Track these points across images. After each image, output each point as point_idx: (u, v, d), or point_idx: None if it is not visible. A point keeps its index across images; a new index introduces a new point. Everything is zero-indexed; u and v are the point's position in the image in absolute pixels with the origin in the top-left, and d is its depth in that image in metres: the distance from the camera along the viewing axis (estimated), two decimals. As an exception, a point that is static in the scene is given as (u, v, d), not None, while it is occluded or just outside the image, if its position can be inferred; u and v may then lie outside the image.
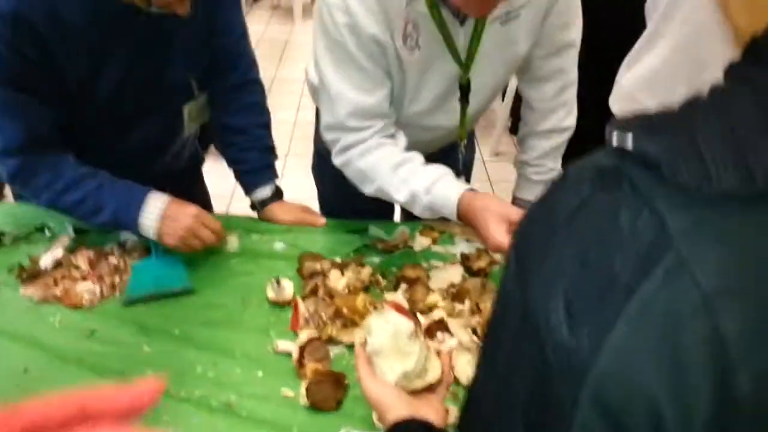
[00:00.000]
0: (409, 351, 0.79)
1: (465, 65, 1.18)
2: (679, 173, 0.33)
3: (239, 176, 1.41)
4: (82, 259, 1.22)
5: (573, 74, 1.31)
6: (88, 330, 1.11)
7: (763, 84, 0.34)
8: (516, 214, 1.08)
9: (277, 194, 1.42)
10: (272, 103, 1.46)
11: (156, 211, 1.17)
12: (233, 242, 1.33)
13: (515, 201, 1.45)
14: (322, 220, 1.40)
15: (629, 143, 0.35)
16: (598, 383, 0.34)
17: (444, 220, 1.40)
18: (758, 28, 0.37)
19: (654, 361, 0.33)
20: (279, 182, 1.43)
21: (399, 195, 1.16)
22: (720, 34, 0.40)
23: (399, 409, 0.74)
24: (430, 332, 1.04)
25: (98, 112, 1.18)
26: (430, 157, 1.42)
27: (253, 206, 1.42)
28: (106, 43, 1.10)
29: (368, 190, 1.22)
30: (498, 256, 1.35)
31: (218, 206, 1.63)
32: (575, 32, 1.24)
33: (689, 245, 0.32)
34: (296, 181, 3.38)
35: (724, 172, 0.31)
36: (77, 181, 1.17)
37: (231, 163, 1.42)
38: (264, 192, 1.39)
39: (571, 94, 1.33)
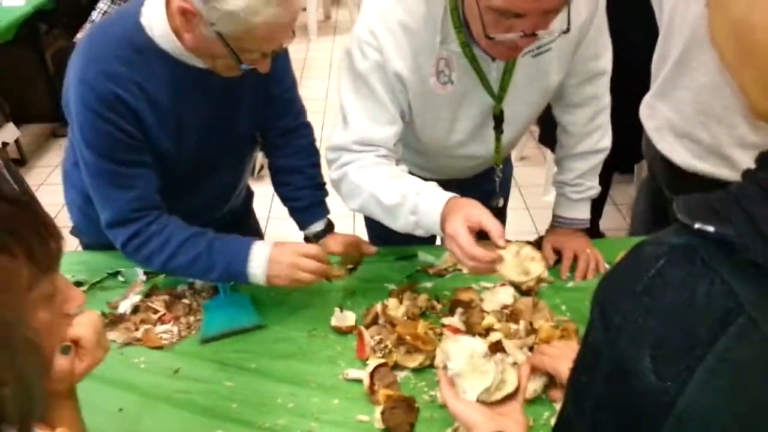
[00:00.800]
0: (485, 369, 0.89)
1: (498, 97, 1.25)
2: (750, 252, 0.40)
3: (293, 213, 1.51)
4: (158, 303, 1.31)
5: (606, 99, 1.37)
6: (172, 369, 1.20)
7: None
8: (486, 219, 1.07)
9: (329, 227, 1.50)
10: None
11: (261, 259, 1.22)
12: (293, 276, 1.41)
13: (555, 218, 1.51)
14: (373, 249, 1.47)
15: (709, 228, 0.42)
16: (679, 419, 0.42)
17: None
18: None
19: (727, 401, 0.41)
20: (331, 217, 1.52)
21: (388, 197, 1.15)
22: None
23: (486, 424, 0.84)
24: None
25: (181, 171, 1.28)
26: (467, 182, 1.51)
27: (307, 239, 1.51)
28: (185, 108, 1.21)
29: (354, 203, 1.23)
30: (546, 274, 1.41)
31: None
32: (606, 61, 1.31)
33: (758, 310, 0.40)
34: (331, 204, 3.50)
35: None
36: (186, 243, 1.23)
37: (286, 201, 1.51)
38: (318, 227, 1.48)
39: (605, 117, 1.40)
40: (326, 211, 1.50)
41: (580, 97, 1.35)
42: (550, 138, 1.53)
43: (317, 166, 1.49)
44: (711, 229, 0.42)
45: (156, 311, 1.30)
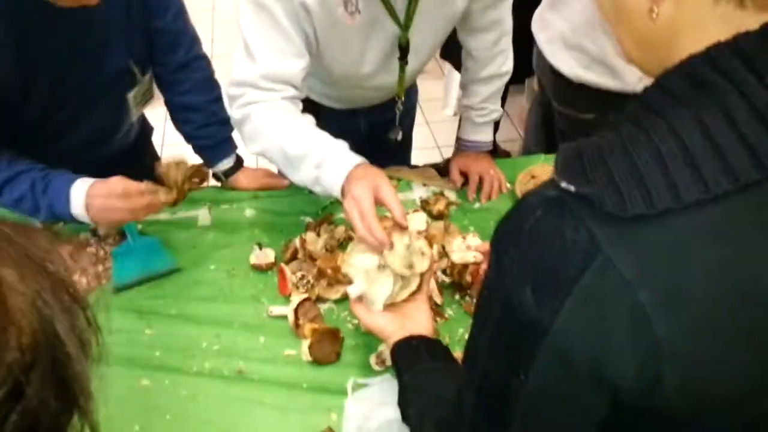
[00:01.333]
0: (384, 279, 0.98)
1: (404, 26, 1.23)
2: (606, 205, 0.47)
3: (199, 151, 1.44)
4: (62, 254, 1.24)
5: (509, 23, 1.39)
6: (86, 322, 1.16)
7: (666, 124, 0.47)
8: (386, 192, 1.03)
9: (239, 163, 1.46)
10: None
11: (79, 199, 1.15)
12: (205, 216, 1.38)
13: (460, 142, 1.56)
14: (285, 182, 1.46)
15: (571, 188, 0.49)
16: (554, 339, 0.51)
17: (398, 168, 1.51)
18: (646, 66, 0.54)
19: (592, 326, 0.50)
20: (239, 152, 1.47)
21: (294, 147, 1.11)
22: None
23: (397, 332, 0.94)
24: None
25: (39, 113, 1.16)
26: (372, 110, 1.51)
27: (216, 177, 1.46)
28: (31, 41, 1.08)
29: (256, 147, 1.17)
30: (453, 197, 1.48)
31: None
32: None
33: (613, 250, 0.48)
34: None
35: (634, 201, 0.47)
36: (12, 181, 1.16)
37: (189, 139, 1.44)
38: (227, 164, 1.43)
39: (508, 41, 1.42)
40: (233, 147, 1.45)
41: (484, 21, 1.36)
42: (452, 53, 1.55)
43: (218, 100, 1.42)
44: (572, 188, 0.49)
45: (60, 263, 1.23)
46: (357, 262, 1.00)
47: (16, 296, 0.39)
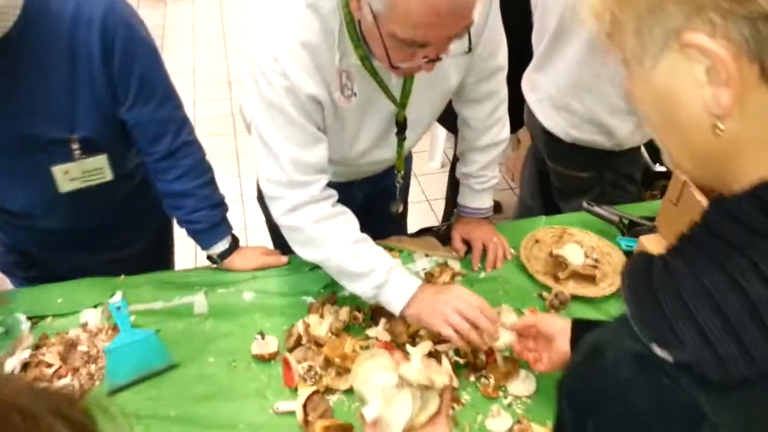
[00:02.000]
0: (402, 399, 0.87)
1: (401, 104, 1.22)
2: (706, 372, 0.43)
3: (192, 235, 1.39)
4: (51, 354, 1.17)
5: (504, 92, 1.39)
6: (79, 430, 1.08)
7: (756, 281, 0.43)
8: (452, 288, 1.18)
9: (235, 244, 1.41)
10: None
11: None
12: (201, 302, 1.32)
13: (461, 208, 1.53)
14: (284, 259, 1.42)
15: (669, 358, 0.44)
16: None
17: (405, 237, 1.47)
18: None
19: None
20: (234, 233, 1.42)
21: (354, 265, 1.18)
22: None
23: None
24: None
25: None
26: (368, 180, 1.48)
27: (211, 259, 1.41)
28: None
29: (314, 256, 1.22)
30: (457, 267, 1.44)
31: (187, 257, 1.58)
32: (502, 57, 1.31)
33: (719, 416, 0.43)
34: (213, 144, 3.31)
35: (735, 363, 0.42)
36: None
37: (181, 223, 1.39)
38: (222, 246, 1.38)
39: (503, 110, 1.41)
40: (228, 228, 1.40)
41: (479, 93, 1.35)
42: (446, 119, 1.55)
43: (210, 183, 1.37)
44: (671, 359, 0.44)
45: (50, 365, 1.16)
46: (374, 380, 0.90)
47: None
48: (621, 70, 0.50)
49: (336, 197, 1.23)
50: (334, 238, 1.19)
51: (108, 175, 1.29)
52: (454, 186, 2.67)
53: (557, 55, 1.62)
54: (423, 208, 3.19)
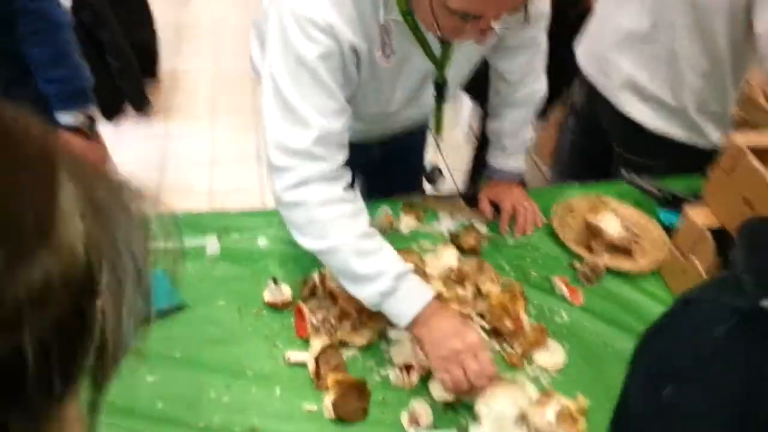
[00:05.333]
0: None
1: (440, 64, 1.13)
2: None
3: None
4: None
5: (543, 42, 1.29)
6: (79, 365, 1.03)
7: None
8: (470, 335, 0.99)
9: (87, 126, 1.46)
10: (181, 50, 1.42)
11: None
12: (213, 245, 1.25)
13: (491, 170, 1.44)
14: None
15: None
16: None
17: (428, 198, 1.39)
18: None
19: None
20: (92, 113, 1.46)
21: (359, 265, 1.01)
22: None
23: None
24: None
25: None
26: (389, 139, 1.39)
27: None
28: None
29: (314, 244, 1.04)
30: (484, 230, 1.36)
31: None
32: (544, 2, 1.21)
33: None
34: (229, 140, 3.24)
35: None
36: None
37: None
38: (66, 119, 1.41)
39: (542, 60, 1.32)
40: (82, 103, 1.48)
41: (517, 42, 1.25)
42: (474, 86, 1.44)
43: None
44: None
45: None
46: (494, 405, 0.80)
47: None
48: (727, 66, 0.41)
49: (349, 179, 1.08)
50: (340, 228, 1.02)
51: None
52: (478, 158, 2.57)
53: (657, 39, 1.41)
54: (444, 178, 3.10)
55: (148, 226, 0.35)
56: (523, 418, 0.78)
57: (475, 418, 0.78)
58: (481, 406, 0.79)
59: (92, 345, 0.30)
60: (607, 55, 1.53)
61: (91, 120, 1.49)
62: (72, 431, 0.33)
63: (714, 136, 1.49)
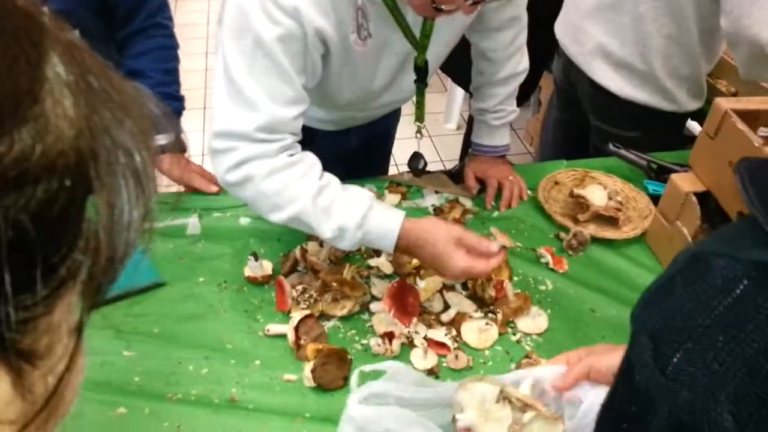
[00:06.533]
0: (500, 415, 0.77)
1: (421, 46, 1.11)
2: None
3: None
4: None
5: (524, 19, 1.28)
6: (56, 342, 1.01)
7: None
8: (466, 234, 1.01)
9: (178, 147, 1.31)
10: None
11: None
12: (194, 224, 1.24)
13: (476, 147, 1.43)
14: (214, 188, 1.31)
15: None
16: None
17: (412, 176, 1.38)
18: None
19: None
20: (184, 137, 1.34)
21: (324, 229, 1.00)
22: None
23: None
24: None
25: None
26: (365, 125, 1.37)
27: None
28: None
29: (277, 217, 1.01)
30: (469, 204, 1.35)
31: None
32: None
33: None
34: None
35: None
36: None
37: None
38: (162, 140, 1.28)
39: (524, 38, 1.31)
40: (176, 128, 1.32)
41: (500, 19, 1.24)
42: (452, 67, 1.43)
43: (173, 72, 1.31)
44: None
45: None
46: (474, 390, 0.79)
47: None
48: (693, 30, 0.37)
49: (297, 149, 1.04)
50: (293, 194, 0.99)
51: None
52: (467, 139, 2.56)
53: (623, 7, 1.44)
54: (437, 168, 3.09)
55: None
56: (503, 395, 0.76)
57: (458, 408, 0.78)
58: (462, 395, 0.78)
59: (80, 242, 0.27)
60: (579, 24, 1.56)
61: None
62: (56, 345, 0.29)
63: (686, 101, 1.49)
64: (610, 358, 0.75)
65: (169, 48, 1.31)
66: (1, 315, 0.25)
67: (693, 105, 1.53)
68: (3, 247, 0.24)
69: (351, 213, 1.00)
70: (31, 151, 0.24)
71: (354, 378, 0.78)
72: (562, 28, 1.64)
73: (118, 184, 0.29)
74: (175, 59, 1.32)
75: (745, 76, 1.35)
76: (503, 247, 1.03)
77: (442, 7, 0.92)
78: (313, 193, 0.99)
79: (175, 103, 1.31)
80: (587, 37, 1.53)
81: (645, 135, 1.51)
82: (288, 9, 0.91)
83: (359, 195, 1.02)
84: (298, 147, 1.04)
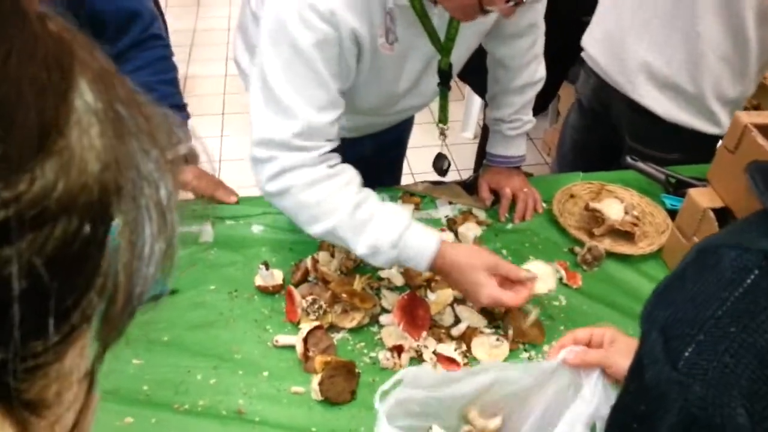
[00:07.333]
0: None
1: (445, 49, 1.11)
2: None
3: None
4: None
5: (543, 27, 1.27)
6: (67, 348, 1.02)
7: None
8: (501, 263, 1.01)
9: (191, 157, 1.30)
10: (197, 57, 1.37)
11: None
12: (207, 231, 1.24)
13: (491, 157, 1.42)
14: (234, 198, 1.31)
15: None
16: None
17: (430, 184, 1.37)
18: None
19: None
20: (194, 145, 1.32)
21: (357, 245, 1.00)
22: None
23: None
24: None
25: None
26: (380, 132, 1.37)
27: None
28: None
29: (314, 229, 1.02)
30: (483, 216, 1.33)
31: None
32: None
33: None
34: (238, 142, 3.25)
35: None
36: None
37: None
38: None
39: (541, 45, 1.30)
40: (186, 137, 1.30)
41: (519, 26, 1.23)
42: (471, 74, 1.41)
43: (173, 83, 1.30)
44: None
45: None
46: None
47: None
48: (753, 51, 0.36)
49: (337, 159, 1.05)
50: (331, 206, 0.99)
51: None
52: (483, 148, 2.53)
53: (675, 25, 1.36)
54: (453, 177, 3.07)
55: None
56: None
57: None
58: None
59: (98, 284, 0.25)
60: (621, 40, 1.48)
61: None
62: (66, 392, 0.27)
63: (728, 124, 1.44)
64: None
65: (168, 58, 1.30)
66: (7, 364, 0.22)
67: None
68: (14, 296, 0.21)
69: (387, 231, 1.00)
70: (53, 187, 0.22)
71: (377, 399, 0.78)
72: (596, 44, 1.56)
73: (142, 218, 0.27)
74: (175, 69, 1.32)
75: None
76: (532, 279, 1.01)
77: (488, 8, 0.92)
78: (351, 207, 0.99)
79: (182, 114, 1.30)
80: (629, 54, 1.46)
81: (685, 157, 1.44)
82: (324, 13, 0.92)
83: (397, 213, 1.03)
84: (338, 158, 1.05)
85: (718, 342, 0.34)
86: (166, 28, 1.33)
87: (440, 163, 1.40)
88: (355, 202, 1.00)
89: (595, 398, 0.76)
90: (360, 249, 1.00)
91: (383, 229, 1.00)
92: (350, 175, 1.04)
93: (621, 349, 0.77)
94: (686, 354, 0.35)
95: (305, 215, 1.02)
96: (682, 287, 0.38)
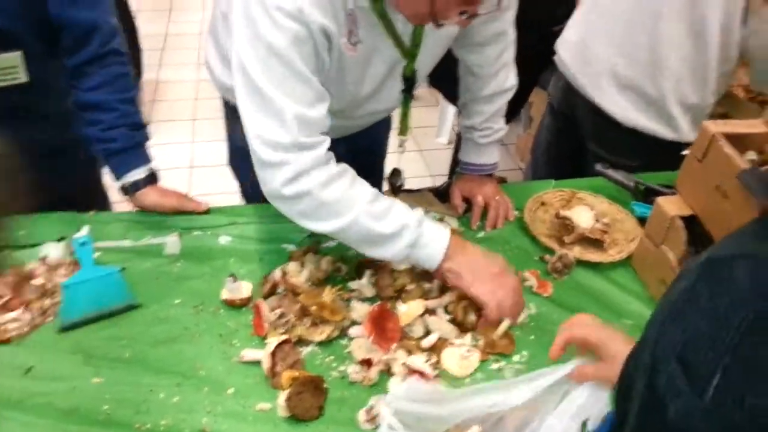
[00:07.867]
0: None
1: (410, 55, 1.10)
2: None
3: (107, 158, 1.25)
4: (2, 286, 1.07)
5: (512, 35, 1.27)
6: (23, 368, 0.98)
7: None
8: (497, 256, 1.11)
9: (152, 178, 1.27)
10: (168, 61, 1.34)
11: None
12: (173, 243, 1.21)
13: (463, 165, 1.41)
14: (203, 206, 1.29)
15: None
16: None
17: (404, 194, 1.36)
18: None
19: None
20: (154, 165, 1.28)
21: (383, 227, 1.03)
22: None
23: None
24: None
25: None
26: (352, 135, 1.35)
27: (125, 191, 1.26)
28: None
29: (331, 225, 1.03)
30: (455, 224, 1.32)
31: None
32: None
33: None
34: (209, 149, 3.20)
35: None
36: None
37: (96, 142, 1.24)
38: (138, 174, 1.24)
39: (511, 54, 1.29)
40: (147, 158, 1.27)
41: (486, 34, 1.23)
42: (442, 80, 1.40)
43: (133, 101, 1.26)
44: None
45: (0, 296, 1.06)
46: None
47: None
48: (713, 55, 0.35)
49: (334, 157, 1.06)
50: (350, 201, 1.02)
51: (22, 77, 1.18)
52: (456, 162, 2.53)
53: (639, 26, 1.39)
54: (426, 183, 3.07)
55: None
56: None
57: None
58: None
59: None
60: (589, 43, 1.51)
61: None
62: None
63: (687, 131, 1.46)
64: (619, 343, 0.77)
65: (127, 75, 1.26)
66: None
67: (693, 136, 1.50)
68: None
69: (410, 212, 1.06)
70: None
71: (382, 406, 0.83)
72: (567, 48, 1.59)
73: None
74: (135, 87, 1.28)
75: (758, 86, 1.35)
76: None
77: (442, 22, 0.93)
78: (371, 197, 1.04)
79: (141, 132, 1.27)
80: (596, 56, 1.48)
81: (645, 165, 1.45)
82: (292, 11, 0.92)
83: (406, 206, 1.08)
84: (332, 154, 1.06)
85: (747, 362, 0.32)
86: (136, 33, 1.29)
87: (394, 179, 1.39)
88: (373, 192, 1.05)
89: (585, 390, 0.78)
90: (386, 229, 1.03)
91: (406, 211, 1.06)
92: (353, 171, 1.08)
93: (620, 350, 0.76)
94: (715, 383, 0.33)
95: (324, 213, 1.03)
96: (695, 304, 0.36)
